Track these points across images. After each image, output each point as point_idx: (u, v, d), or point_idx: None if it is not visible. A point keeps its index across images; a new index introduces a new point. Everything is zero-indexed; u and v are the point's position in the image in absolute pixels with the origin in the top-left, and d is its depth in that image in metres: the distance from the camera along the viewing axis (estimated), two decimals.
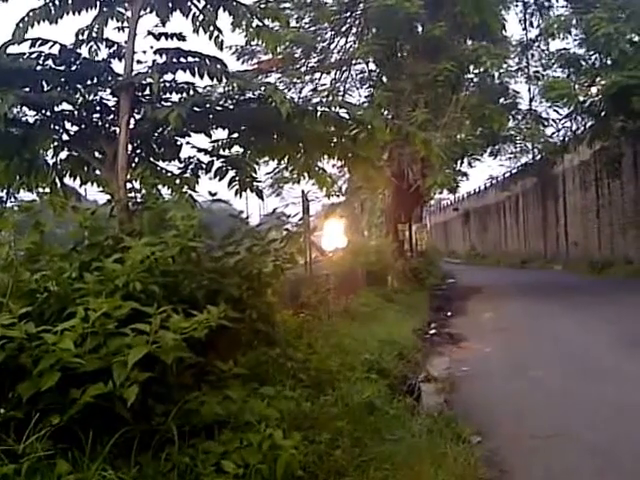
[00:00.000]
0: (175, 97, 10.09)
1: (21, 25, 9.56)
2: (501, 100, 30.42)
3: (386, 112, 27.05)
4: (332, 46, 31.12)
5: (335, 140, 11.03)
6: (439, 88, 26.16)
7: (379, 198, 35.78)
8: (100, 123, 10.07)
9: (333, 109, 10.47)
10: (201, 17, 10.20)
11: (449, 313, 22.44)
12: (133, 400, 4.77)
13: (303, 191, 16.26)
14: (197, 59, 9.95)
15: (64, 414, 4.71)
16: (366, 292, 20.26)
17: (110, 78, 9.79)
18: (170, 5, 10.01)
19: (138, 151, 10.35)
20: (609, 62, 27.81)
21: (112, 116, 9.90)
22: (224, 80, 10.04)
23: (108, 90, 9.81)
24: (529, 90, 33.48)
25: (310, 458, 6.04)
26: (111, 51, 10.06)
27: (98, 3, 9.84)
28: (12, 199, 10.75)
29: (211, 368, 6.32)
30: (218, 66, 10.00)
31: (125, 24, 9.78)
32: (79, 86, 9.67)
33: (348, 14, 30.09)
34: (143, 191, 9.17)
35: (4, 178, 10.32)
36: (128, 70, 9.51)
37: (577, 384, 10.76)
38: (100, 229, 6.89)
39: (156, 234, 6.82)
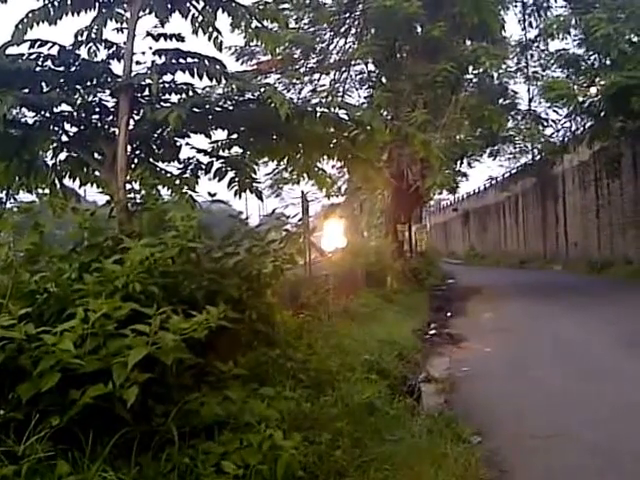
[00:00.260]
0: (174, 98, 10.08)
1: (20, 26, 9.55)
2: (500, 101, 30.42)
3: (385, 113, 27.07)
4: (331, 47, 31.14)
5: (334, 141, 11.02)
6: (438, 89, 26.16)
7: (378, 199, 35.77)
8: (99, 124, 10.07)
9: (332, 110, 10.46)
10: (200, 18, 10.20)
11: (449, 313, 22.42)
12: (133, 401, 4.76)
13: (302, 192, 16.29)
14: (196, 60, 9.95)
15: (64, 415, 4.71)
16: (366, 292, 20.25)
17: (109, 79, 9.79)
18: (169, 6, 10.01)
19: (137, 152, 10.35)
20: (608, 62, 27.81)
21: (111, 117, 9.89)
22: (223, 81, 10.05)
23: (107, 91, 9.81)
24: (528, 90, 33.54)
25: (310, 459, 6.04)
26: (110, 52, 10.06)
27: (97, 4, 9.83)
28: (11, 200, 10.75)
29: (211, 369, 6.32)
30: (217, 67, 10.00)
31: (124, 25, 9.78)
32: (78, 87, 9.67)
33: (347, 15, 30.10)
34: (142, 192, 9.15)
35: (3, 179, 10.31)
36: (127, 71, 9.51)
37: (577, 384, 10.76)
38: (100, 230, 6.88)
39: (156, 235, 6.82)
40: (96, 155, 9.92)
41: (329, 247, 20.51)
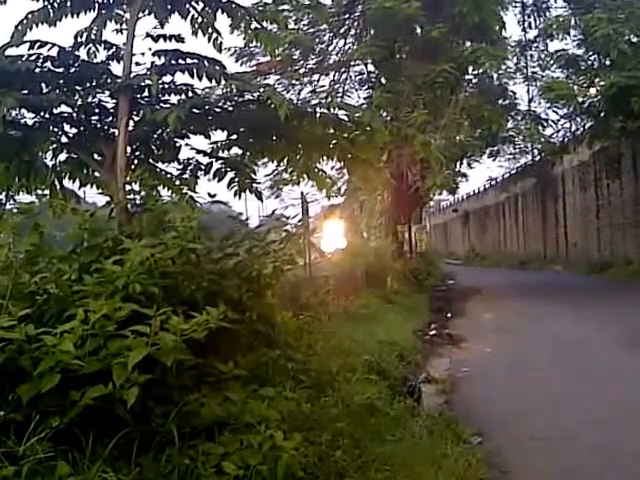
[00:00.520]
0: (174, 99, 10.08)
1: (20, 27, 9.55)
2: (500, 101, 30.41)
3: (385, 113, 27.06)
4: (331, 48, 31.14)
5: (334, 141, 11.01)
6: (438, 89, 26.14)
7: (378, 199, 35.75)
8: (99, 125, 10.07)
9: (332, 111, 10.45)
10: (200, 19, 10.20)
11: (449, 314, 22.42)
12: (133, 402, 4.77)
13: (302, 193, 16.30)
14: (196, 61, 9.94)
15: (64, 416, 4.71)
16: (366, 293, 20.24)
17: (109, 80, 9.78)
18: (168, 7, 10.00)
19: (137, 153, 10.35)
20: (608, 63, 27.81)
21: (111, 118, 9.89)
22: (223, 82, 10.03)
23: (107, 92, 9.80)
24: (528, 91, 33.51)
25: (310, 459, 6.04)
26: (110, 53, 10.06)
27: (96, 5, 9.83)
28: (11, 201, 10.75)
29: (211, 369, 6.32)
30: (217, 68, 9.99)
31: (124, 26, 9.77)
32: (78, 88, 9.67)
33: (347, 16, 30.11)
34: (142, 193, 9.15)
35: (3, 180, 10.31)
36: (127, 72, 9.51)
37: (577, 384, 10.78)
38: (99, 231, 6.87)
39: (155, 236, 6.82)
40: (96, 156, 9.92)
41: (329, 248, 20.50)
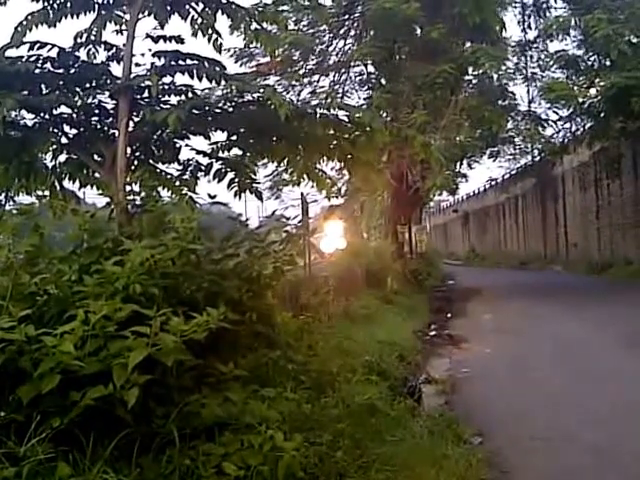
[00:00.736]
0: (174, 100, 10.09)
1: (20, 28, 9.56)
2: (500, 102, 30.39)
3: (385, 114, 27.04)
4: (331, 48, 31.11)
5: (334, 142, 11.01)
6: (438, 90, 26.14)
7: (378, 200, 35.74)
8: (99, 126, 10.08)
9: (332, 111, 10.45)
10: (200, 20, 10.21)
11: (449, 314, 22.42)
12: (133, 402, 4.76)
13: (302, 193, 16.29)
14: (196, 61, 9.95)
15: (65, 417, 4.70)
16: (366, 294, 20.21)
17: (109, 81, 9.80)
18: (168, 8, 10.02)
19: (137, 154, 10.35)
20: (608, 63, 27.78)
21: (111, 119, 9.90)
22: (223, 82, 10.05)
23: (107, 93, 9.82)
24: (528, 91, 33.49)
25: (311, 460, 6.03)
26: (109, 54, 10.07)
27: (96, 6, 9.84)
28: (11, 202, 10.76)
29: (211, 370, 6.31)
30: (217, 68, 10.00)
31: (123, 27, 9.79)
32: (78, 89, 9.68)
33: (346, 16, 30.10)
34: (142, 194, 9.15)
35: (3, 181, 10.32)
36: (126, 73, 9.52)
37: (577, 384, 10.78)
38: (99, 232, 6.87)
39: (156, 236, 6.82)
40: (96, 157, 9.93)
41: (329, 248, 20.49)
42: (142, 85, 9.55)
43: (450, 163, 28.20)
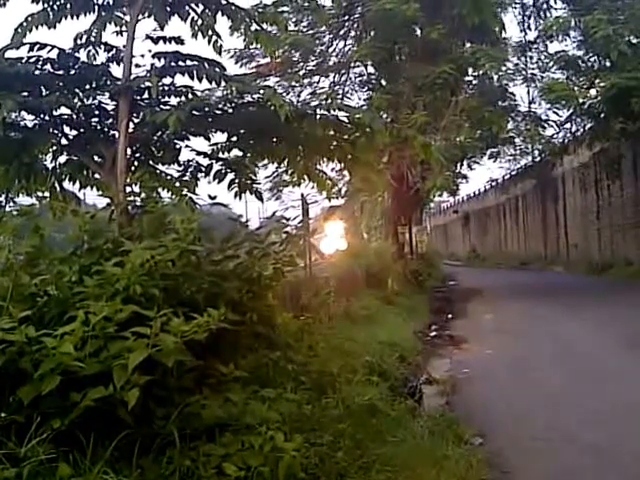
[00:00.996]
0: (174, 101, 10.10)
1: (19, 30, 9.57)
2: (500, 102, 30.38)
3: (385, 115, 27.05)
4: (331, 49, 31.15)
5: (334, 143, 11.01)
6: (438, 91, 26.15)
7: (379, 201, 35.75)
8: (99, 127, 10.08)
9: (332, 112, 10.45)
10: (199, 21, 10.21)
11: (450, 315, 22.42)
12: (134, 403, 4.76)
13: (302, 194, 16.28)
14: (196, 62, 9.95)
15: (65, 418, 4.70)
16: (366, 294, 20.20)
17: (109, 82, 9.80)
18: (168, 9, 10.02)
19: (137, 155, 10.36)
20: (608, 64, 27.76)
21: (111, 120, 9.91)
22: (223, 83, 10.06)
23: (107, 94, 9.82)
24: (528, 92, 33.46)
25: (312, 460, 6.03)
26: (109, 55, 10.08)
27: (96, 7, 9.85)
28: (11, 203, 10.77)
29: (212, 371, 6.32)
30: (217, 69, 10.00)
31: (123, 28, 9.79)
32: (78, 90, 9.69)
33: (346, 17, 30.12)
34: (143, 195, 9.15)
35: (3, 182, 10.32)
36: (127, 74, 9.52)
37: (577, 385, 10.78)
38: (100, 233, 6.87)
39: (156, 237, 6.81)
40: (96, 158, 9.93)
41: (329, 249, 20.50)
42: (142, 86, 9.56)
43: (450, 164, 28.19)
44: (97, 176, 10.22)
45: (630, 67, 25.78)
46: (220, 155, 11.02)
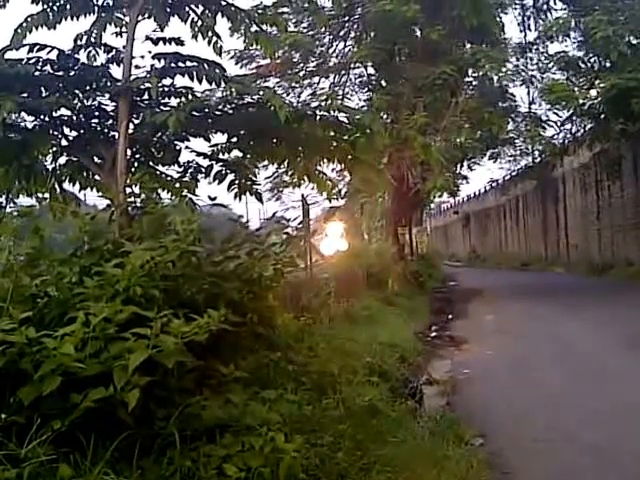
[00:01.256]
0: (174, 102, 10.09)
1: (19, 31, 9.56)
2: (500, 103, 30.38)
3: (385, 116, 27.07)
4: (331, 50, 31.11)
5: (334, 144, 11.01)
6: (438, 92, 26.13)
7: (379, 201, 35.74)
8: (99, 128, 10.08)
9: (332, 113, 10.45)
10: (199, 22, 10.21)
11: (450, 316, 22.42)
12: (134, 404, 4.76)
13: (303, 195, 16.28)
14: (195, 64, 9.94)
15: (65, 419, 4.70)
16: (367, 295, 20.20)
17: (109, 83, 9.80)
18: (168, 10, 10.02)
19: (137, 156, 10.36)
20: (608, 64, 27.75)
21: (111, 121, 9.91)
22: (223, 84, 10.05)
23: (107, 95, 9.82)
24: (528, 93, 33.45)
25: (312, 461, 6.03)
26: (109, 56, 10.07)
27: (96, 8, 9.84)
28: (11, 204, 10.76)
29: (212, 372, 6.32)
30: (217, 70, 10.00)
31: (123, 29, 9.79)
32: (77, 91, 9.69)
33: (346, 18, 30.09)
34: (143, 196, 9.15)
35: (3, 183, 10.31)
36: (126, 75, 9.52)
37: (578, 385, 10.77)
38: (100, 234, 6.88)
39: (156, 238, 6.82)
40: (96, 159, 9.92)
41: (330, 250, 20.50)
42: (142, 87, 9.55)
43: (450, 165, 28.19)
44: (97, 177, 10.22)
45: (630, 68, 25.77)
46: (220, 156, 11.02)
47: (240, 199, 10.94)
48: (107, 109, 9.93)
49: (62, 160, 10.44)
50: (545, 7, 33.16)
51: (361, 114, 11.39)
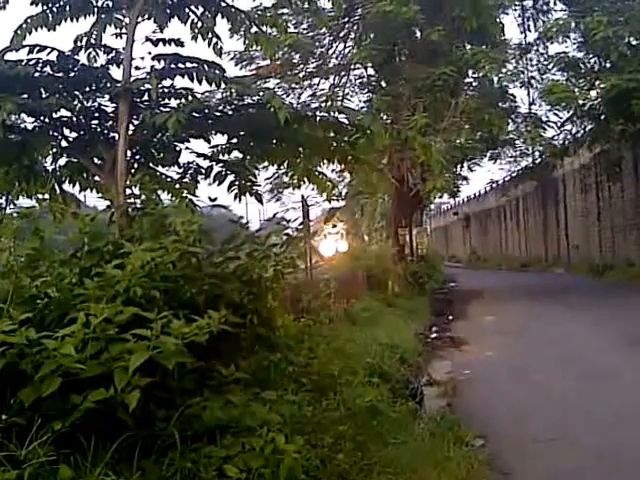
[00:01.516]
0: (174, 103, 10.06)
1: (19, 32, 9.55)
2: (500, 104, 30.38)
3: (385, 117, 27.07)
4: (331, 51, 31.12)
5: (334, 144, 11.00)
6: (438, 92, 26.14)
7: (379, 202, 35.76)
8: (99, 129, 10.06)
9: (332, 114, 10.43)
10: (199, 23, 10.20)
11: (450, 317, 22.44)
12: (135, 405, 4.76)
13: (303, 196, 16.28)
14: (195, 65, 9.92)
15: (66, 420, 4.70)
16: (367, 296, 20.24)
17: (108, 84, 9.78)
18: (168, 11, 10.00)
19: (137, 157, 10.34)
20: (608, 65, 27.78)
21: (111, 122, 9.88)
22: (223, 85, 10.03)
23: (107, 96, 9.79)
24: (528, 94, 33.47)
25: (313, 462, 6.03)
26: (109, 57, 10.05)
27: (96, 10, 9.83)
28: (11, 206, 10.74)
29: (212, 373, 6.31)
30: (216, 71, 9.98)
31: (123, 30, 9.77)
32: (77, 92, 9.66)
33: (346, 19, 30.05)
34: (143, 197, 9.14)
35: (3, 185, 10.30)
36: (126, 76, 9.50)
37: (578, 386, 10.77)
38: (100, 235, 6.87)
39: (156, 239, 6.81)
40: (96, 160, 9.90)
41: (330, 251, 20.51)
42: (142, 88, 9.54)
43: (450, 165, 28.17)
44: (97, 178, 10.20)
45: (630, 68, 25.78)
46: (220, 157, 10.99)
47: (240, 200, 10.92)
48: (107, 110, 9.91)
49: (62, 161, 10.41)
50: (545, 8, 33.23)
51: (361, 115, 11.38)
